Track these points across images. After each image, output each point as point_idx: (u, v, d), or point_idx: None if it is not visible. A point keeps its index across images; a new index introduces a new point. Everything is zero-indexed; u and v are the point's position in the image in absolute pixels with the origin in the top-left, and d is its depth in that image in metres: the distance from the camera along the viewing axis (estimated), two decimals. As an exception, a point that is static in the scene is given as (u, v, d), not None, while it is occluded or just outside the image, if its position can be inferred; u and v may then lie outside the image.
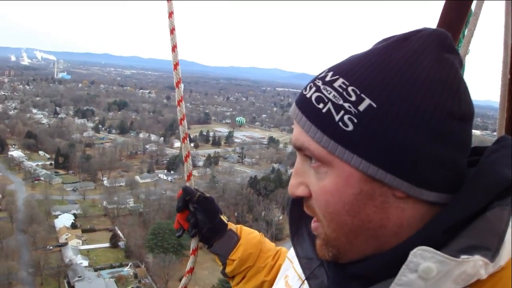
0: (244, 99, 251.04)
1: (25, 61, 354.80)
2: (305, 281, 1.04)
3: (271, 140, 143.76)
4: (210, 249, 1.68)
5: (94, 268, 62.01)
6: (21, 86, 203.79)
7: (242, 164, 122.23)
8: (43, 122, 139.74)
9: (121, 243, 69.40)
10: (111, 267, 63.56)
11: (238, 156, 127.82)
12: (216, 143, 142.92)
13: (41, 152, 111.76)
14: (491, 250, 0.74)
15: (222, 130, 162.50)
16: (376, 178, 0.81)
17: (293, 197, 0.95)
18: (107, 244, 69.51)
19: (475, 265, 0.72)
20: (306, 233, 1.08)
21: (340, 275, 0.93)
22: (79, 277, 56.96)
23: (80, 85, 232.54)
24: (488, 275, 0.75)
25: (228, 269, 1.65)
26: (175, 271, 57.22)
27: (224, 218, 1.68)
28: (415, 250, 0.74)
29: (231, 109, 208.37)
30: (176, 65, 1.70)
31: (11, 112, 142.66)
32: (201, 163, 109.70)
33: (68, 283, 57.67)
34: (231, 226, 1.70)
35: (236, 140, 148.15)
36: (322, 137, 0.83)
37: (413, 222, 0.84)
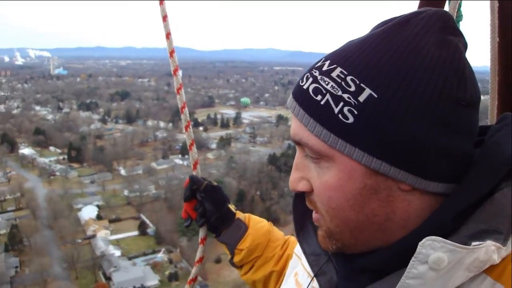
0: (243, 80, 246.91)
1: (19, 61, 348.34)
2: (314, 278, 1.00)
3: (280, 118, 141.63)
4: (218, 238, 1.65)
5: (127, 257, 60.97)
6: (19, 85, 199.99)
7: (255, 143, 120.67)
8: (48, 118, 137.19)
9: (149, 230, 68.24)
10: (144, 254, 62.57)
11: (250, 136, 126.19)
12: (224, 125, 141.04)
13: (51, 148, 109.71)
14: (503, 233, 0.70)
15: (228, 111, 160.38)
16: (380, 172, 0.76)
17: (294, 192, 0.91)
18: (135, 233, 68.37)
19: (487, 250, 0.69)
20: (311, 228, 1.03)
21: (349, 269, 0.90)
22: (114, 267, 55.93)
23: (78, 79, 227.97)
24: (501, 259, 0.71)
25: (236, 259, 1.61)
26: (210, 253, 55.86)
27: (232, 207, 1.64)
28: (423, 240, 0.70)
29: (233, 91, 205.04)
30: (172, 52, 1.65)
31: (14, 111, 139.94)
32: (214, 146, 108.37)
33: (104, 274, 56.59)
34: (239, 215, 1.66)
35: (244, 120, 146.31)
36: (321, 130, 0.78)
37: (420, 214, 0.79)
